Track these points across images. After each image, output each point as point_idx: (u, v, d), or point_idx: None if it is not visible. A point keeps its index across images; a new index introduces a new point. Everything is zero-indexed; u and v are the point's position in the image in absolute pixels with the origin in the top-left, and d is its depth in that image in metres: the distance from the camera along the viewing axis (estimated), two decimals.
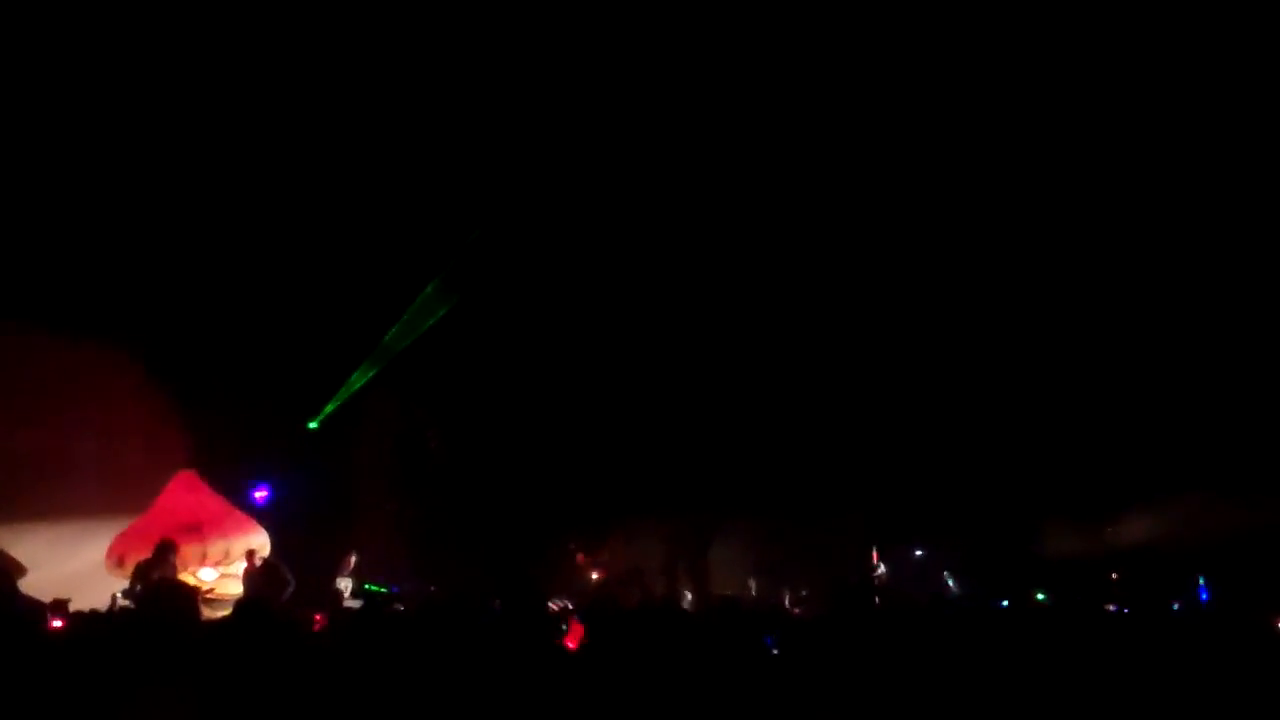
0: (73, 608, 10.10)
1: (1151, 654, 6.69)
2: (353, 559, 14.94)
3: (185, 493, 15.42)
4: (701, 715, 5.21)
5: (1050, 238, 16.80)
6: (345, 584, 14.79)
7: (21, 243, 15.30)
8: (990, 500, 17.68)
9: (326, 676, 5.38)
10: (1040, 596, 14.53)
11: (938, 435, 17.76)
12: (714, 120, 16.00)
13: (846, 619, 7.16)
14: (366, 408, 17.91)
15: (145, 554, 13.23)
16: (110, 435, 15.62)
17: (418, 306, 17.66)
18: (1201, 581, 15.56)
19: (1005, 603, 12.93)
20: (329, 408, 17.62)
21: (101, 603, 12.21)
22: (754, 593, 17.19)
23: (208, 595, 13.13)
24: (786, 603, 15.93)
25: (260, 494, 16.33)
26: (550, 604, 12.07)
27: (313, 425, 17.57)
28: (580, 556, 17.90)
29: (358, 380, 17.72)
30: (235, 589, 13.73)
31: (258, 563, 13.99)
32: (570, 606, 12.71)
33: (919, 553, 17.24)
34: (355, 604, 13.95)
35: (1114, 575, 16.41)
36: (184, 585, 11.50)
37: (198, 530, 14.53)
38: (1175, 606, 13.54)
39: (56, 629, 9.39)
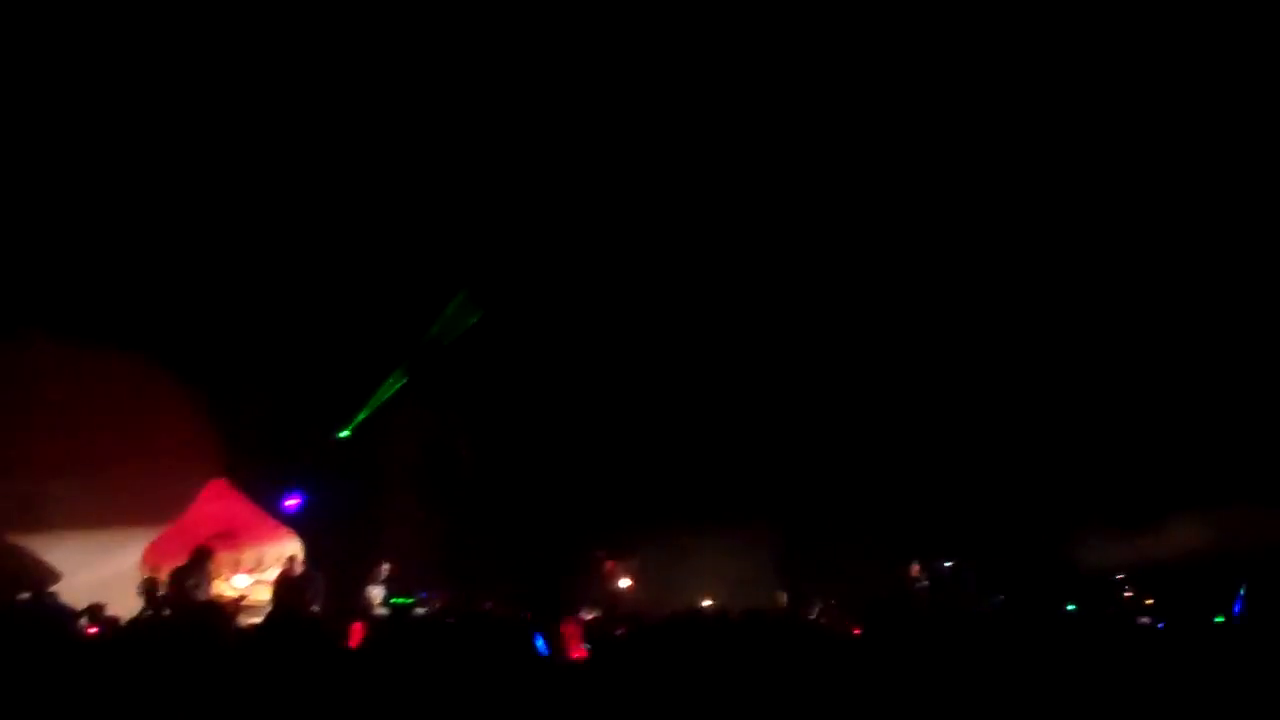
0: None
1: (1181, 666, 6.61)
2: (385, 567, 14.96)
3: (218, 500, 15.57)
4: None
5: (1096, 242, 16.63)
6: (377, 592, 14.81)
7: (57, 255, 15.57)
8: (1024, 510, 17.48)
9: (365, 689, 5.41)
10: (1070, 607, 14.32)
11: (972, 445, 17.59)
12: (746, 132, 16.06)
13: (881, 634, 7.12)
14: (397, 417, 17.99)
15: (180, 561, 13.40)
16: (144, 443, 15.78)
17: (449, 315, 17.74)
18: (1242, 592, 15.23)
19: (1039, 613, 12.76)
20: (360, 416, 17.71)
21: (132, 610, 12.37)
22: (783, 604, 17.05)
23: (241, 603, 13.24)
24: (814, 615, 15.78)
25: (291, 502, 16.41)
26: (580, 614, 12.08)
27: (344, 434, 17.66)
28: (610, 564, 17.85)
29: (389, 389, 17.81)
30: (268, 596, 13.83)
31: (297, 570, 14.08)
32: (599, 616, 12.72)
33: (948, 563, 17.02)
34: (385, 611, 14.01)
35: (1148, 593, 16.11)
36: (219, 603, 11.68)
37: (231, 537, 14.66)
38: (1216, 620, 13.28)
39: (92, 634, 9.50)
